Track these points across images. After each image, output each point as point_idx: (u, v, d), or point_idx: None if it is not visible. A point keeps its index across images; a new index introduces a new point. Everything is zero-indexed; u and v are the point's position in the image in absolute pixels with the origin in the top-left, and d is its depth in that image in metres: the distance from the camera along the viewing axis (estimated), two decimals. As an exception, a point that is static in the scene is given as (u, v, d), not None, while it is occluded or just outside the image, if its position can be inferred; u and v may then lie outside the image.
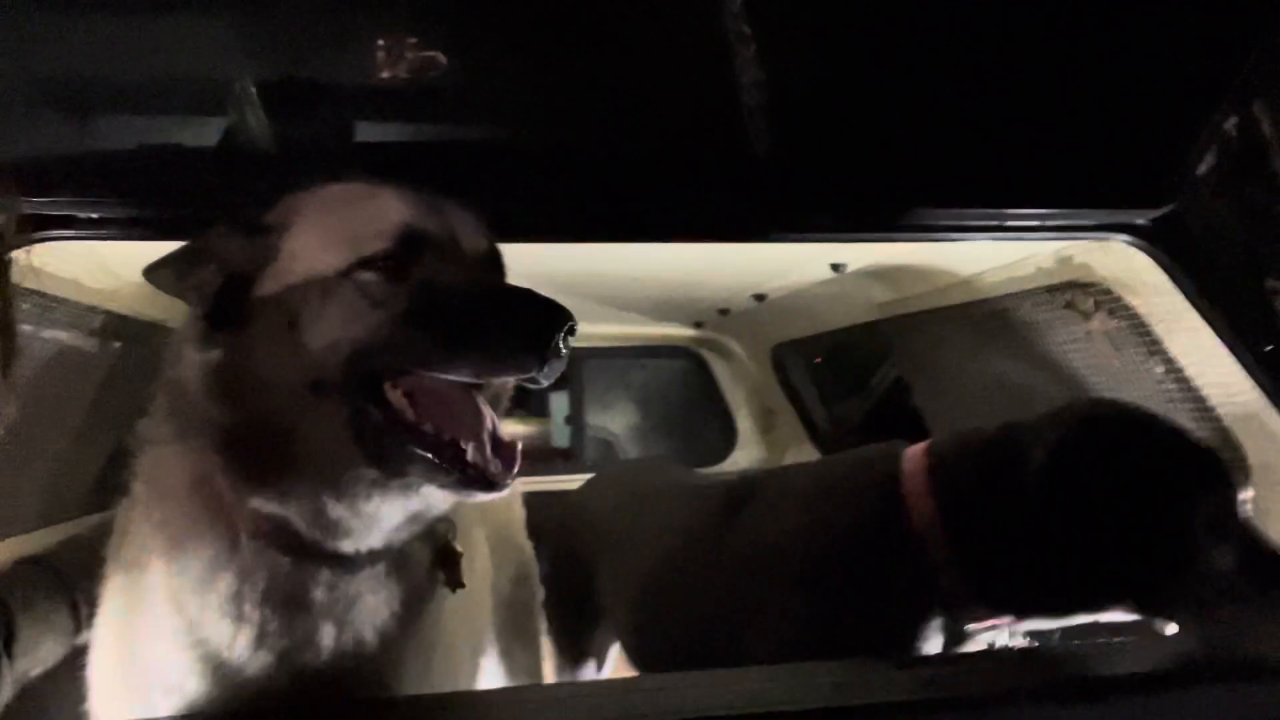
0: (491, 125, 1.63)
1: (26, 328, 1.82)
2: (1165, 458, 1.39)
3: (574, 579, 2.30)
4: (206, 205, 1.41)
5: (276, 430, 1.10)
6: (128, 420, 2.65)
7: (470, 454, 1.06)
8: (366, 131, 1.59)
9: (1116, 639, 1.53)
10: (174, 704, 1.14)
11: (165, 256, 1.14)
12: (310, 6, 1.38)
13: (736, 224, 1.70)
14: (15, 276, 1.46)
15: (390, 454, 1.08)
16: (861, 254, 2.31)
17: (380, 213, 1.13)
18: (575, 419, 3.98)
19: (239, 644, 1.12)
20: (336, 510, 1.11)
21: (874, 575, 1.49)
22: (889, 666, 1.29)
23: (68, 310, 1.95)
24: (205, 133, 1.48)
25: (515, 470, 1.09)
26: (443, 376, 1.08)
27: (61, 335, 1.99)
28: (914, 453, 1.57)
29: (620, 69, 1.55)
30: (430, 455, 1.06)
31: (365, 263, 1.09)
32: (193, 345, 1.14)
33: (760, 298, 3.07)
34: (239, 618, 1.12)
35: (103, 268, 1.98)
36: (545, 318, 1.04)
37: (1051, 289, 2.09)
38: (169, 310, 2.45)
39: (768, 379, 3.85)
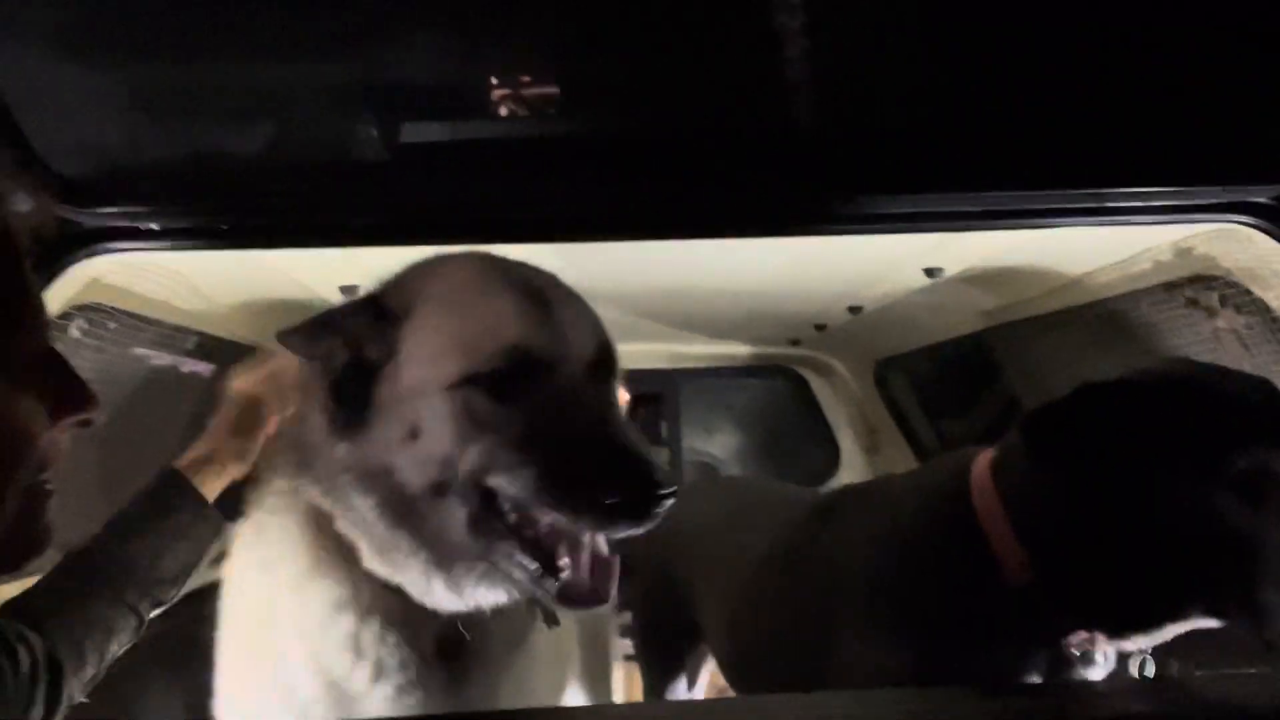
0: (574, 121, 1.58)
1: (117, 348, 1.90)
2: (1215, 415, 1.20)
3: (668, 595, 2.26)
4: (267, 217, 1.43)
5: (395, 513, 1.16)
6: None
7: (567, 572, 1.12)
8: (445, 131, 1.55)
9: (1237, 671, 1.34)
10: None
11: (297, 324, 1.20)
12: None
13: (814, 214, 1.60)
14: (74, 289, 1.52)
15: (499, 556, 1.14)
16: (955, 255, 2.16)
17: (492, 322, 1.14)
18: (672, 442, 3.91)
19: (358, 676, 1.19)
20: (443, 588, 1.18)
21: (947, 588, 1.35)
22: (976, 695, 1.16)
23: (159, 331, 2.02)
24: (275, 143, 1.50)
25: (612, 587, 1.13)
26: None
27: (155, 355, 2.06)
28: (983, 455, 1.44)
29: (697, 59, 1.48)
30: (536, 566, 1.12)
31: (473, 379, 1.11)
32: (320, 421, 1.20)
33: (856, 310, 2.93)
34: (359, 652, 1.19)
35: (192, 289, 2.04)
36: (648, 486, 1.03)
37: (1170, 285, 1.89)
38: (263, 333, 2.54)
39: (870, 397, 3.69)
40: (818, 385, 3.97)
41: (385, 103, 1.40)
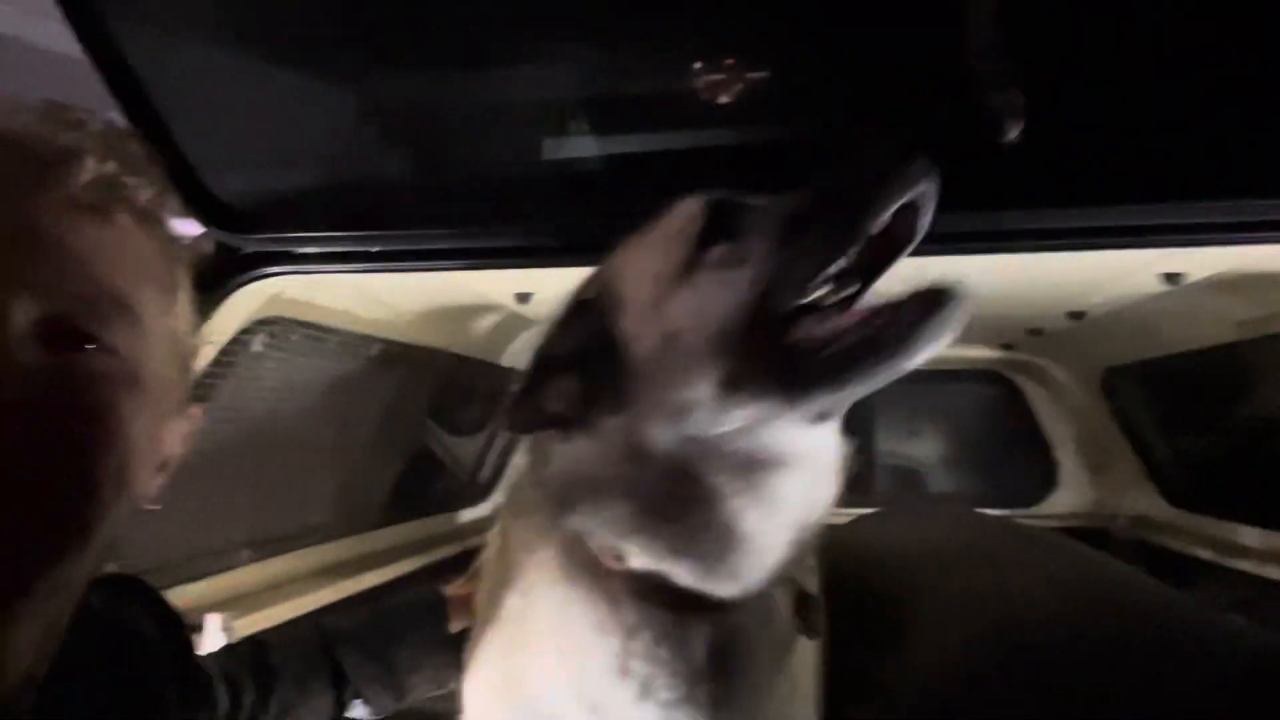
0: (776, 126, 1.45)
1: (303, 358, 1.97)
2: None
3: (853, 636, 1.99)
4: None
5: (648, 499, 1.07)
6: (412, 442, 2.85)
7: None
8: (610, 144, 1.47)
9: None
10: None
11: (511, 411, 1.14)
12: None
13: (1030, 230, 1.38)
14: (255, 304, 1.56)
15: None
16: (1200, 261, 1.83)
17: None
18: (866, 448, 3.67)
19: (623, 697, 1.14)
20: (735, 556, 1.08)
21: None
22: None
23: (343, 338, 2.08)
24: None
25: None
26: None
27: (339, 362, 2.13)
28: None
29: (903, 65, 1.31)
30: None
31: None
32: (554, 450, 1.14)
33: (1078, 316, 2.60)
34: (624, 673, 1.14)
35: (374, 300, 2.09)
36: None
37: None
38: (449, 338, 2.58)
39: (1098, 409, 3.28)
40: (1033, 394, 3.58)
41: (545, 117, 1.33)
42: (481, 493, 3.42)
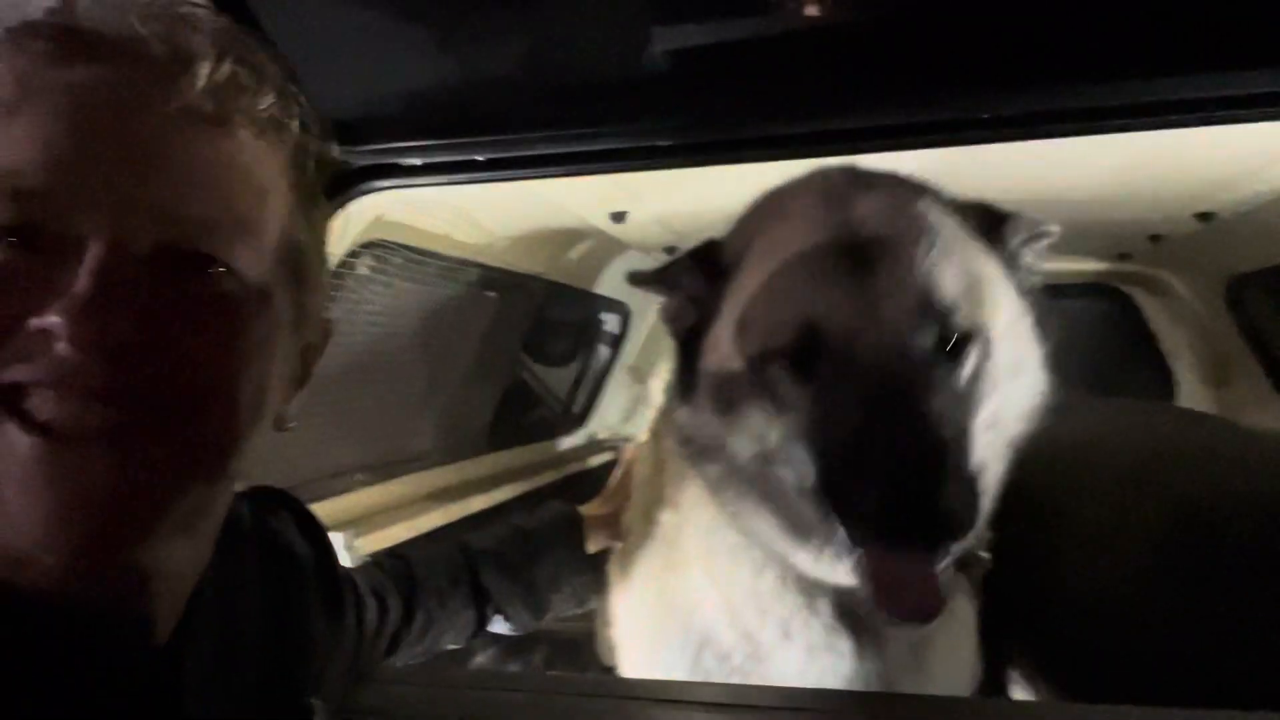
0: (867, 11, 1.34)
1: (405, 282, 1.97)
2: None
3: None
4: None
5: (738, 482, 1.09)
6: (509, 371, 2.86)
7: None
8: (718, 32, 1.37)
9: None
10: (698, 663, 1.22)
11: (646, 271, 1.16)
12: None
13: (1157, 103, 1.26)
14: (358, 227, 1.56)
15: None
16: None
17: (792, 289, 1.00)
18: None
19: (769, 632, 1.16)
20: (808, 558, 1.09)
21: None
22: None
23: (443, 264, 2.07)
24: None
25: (937, 606, 0.93)
26: None
27: (439, 287, 2.13)
28: None
29: None
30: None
31: (771, 354, 0.99)
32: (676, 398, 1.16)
33: (1206, 217, 2.42)
34: (763, 608, 1.16)
35: (471, 223, 2.07)
36: (914, 520, 0.83)
37: None
38: (544, 263, 2.56)
39: (1221, 321, 3.09)
40: (1150, 307, 3.40)
41: (652, 5, 1.26)
42: (577, 422, 3.44)
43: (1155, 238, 2.80)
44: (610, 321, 3.38)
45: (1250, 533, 1.32)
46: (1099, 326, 3.52)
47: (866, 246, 0.98)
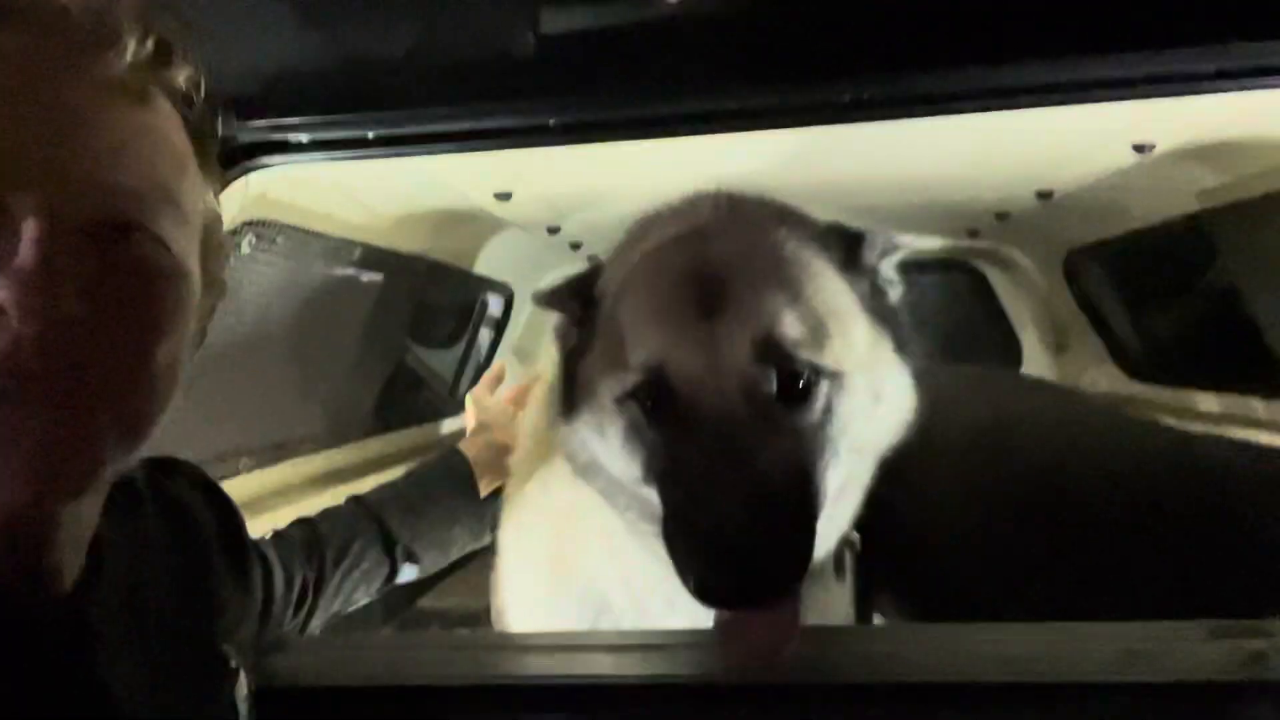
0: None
1: (287, 261, 1.95)
2: None
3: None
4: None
5: (617, 497, 1.13)
6: (394, 353, 2.84)
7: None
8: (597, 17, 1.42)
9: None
10: (595, 618, 1.26)
11: (544, 292, 1.20)
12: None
13: (999, 87, 1.39)
14: (241, 204, 1.55)
15: None
16: (1173, 128, 1.88)
17: (645, 331, 1.02)
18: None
19: (656, 602, 1.19)
20: None
21: None
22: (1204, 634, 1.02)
23: (326, 243, 2.06)
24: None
25: (782, 649, 0.96)
26: None
27: (322, 267, 2.11)
28: None
29: None
30: None
31: (631, 394, 1.02)
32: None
33: (1046, 195, 2.65)
34: (654, 584, 1.17)
35: (355, 201, 2.07)
36: (730, 582, 0.87)
37: None
38: (427, 242, 2.56)
39: (1060, 292, 3.38)
40: (998, 280, 3.68)
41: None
42: (462, 404, 3.43)
43: (1001, 215, 3.03)
44: (494, 303, 3.40)
45: (1083, 486, 1.51)
46: (952, 299, 3.79)
47: (715, 287, 0.99)
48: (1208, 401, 2.77)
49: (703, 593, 0.88)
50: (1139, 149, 2.03)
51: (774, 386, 0.97)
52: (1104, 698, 0.94)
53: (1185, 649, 0.98)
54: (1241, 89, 1.33)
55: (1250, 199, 2.16)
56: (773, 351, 0.96)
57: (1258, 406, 2.53)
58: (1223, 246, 2.48)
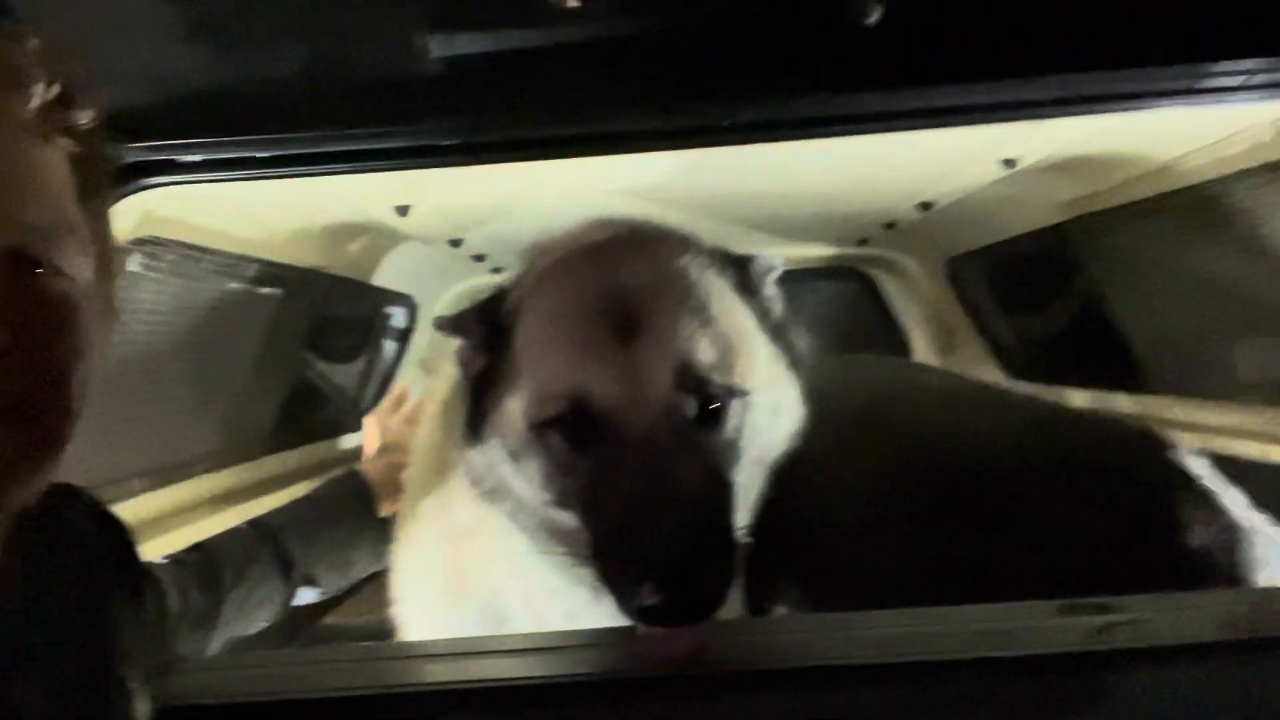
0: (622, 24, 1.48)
1: (178, 279, 1.92)
2: None
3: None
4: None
5: (525, 521, 1.14)
6: (294, 368, 2.81)
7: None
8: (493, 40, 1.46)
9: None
10: (494, 630, 1.26)
11: (448, 318, 1.20)
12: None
13: (880, 112, 1.48)
14: (129, 222, 1.53)
15: None
16: (1035, 144, 2.02)
17: (563, 359, 1.04)
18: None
19: (556, 617, 1.20)
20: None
21: None
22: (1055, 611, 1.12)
23: (219, 260, 2.03)
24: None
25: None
26: None
27: (215, 283, 2.08)
28: None
29: None
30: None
31: (550, 422, 1.03)
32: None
33: (927, 206, 2.80)
34: (554, 598, 1.19)
35: (248, 218, 2.05)
36: (675, 596, 0.89)
37: (1272, 167, 1.74)
38: (326, 257, 2.54)
39: (944, 296, 3.56)
40: (888, 285, 3.85)
41: (430, 12, 1.33)
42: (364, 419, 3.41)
43: (889, 224, 3.19)
44: (397, 315, 3.38)
45: (962, 462, 1.60)
46: (844, 304, 3.95)
47: (630, 314, 1.03)
48: (1079, 399, 2.96)
49: (646, 614, 0.90)
50: (1008, 163, 2.18)
51: (694, 411, 1.02)
52: (967, 673, 1.02)
53: (1038, 625, 1.08)
54: (1094, 113, 1.47)
55: (1107, 209, 2.34)
56: (691, 378, 1.01)
57: (1124, 403, 2.73)
58: (1085, 254, 2.67)
